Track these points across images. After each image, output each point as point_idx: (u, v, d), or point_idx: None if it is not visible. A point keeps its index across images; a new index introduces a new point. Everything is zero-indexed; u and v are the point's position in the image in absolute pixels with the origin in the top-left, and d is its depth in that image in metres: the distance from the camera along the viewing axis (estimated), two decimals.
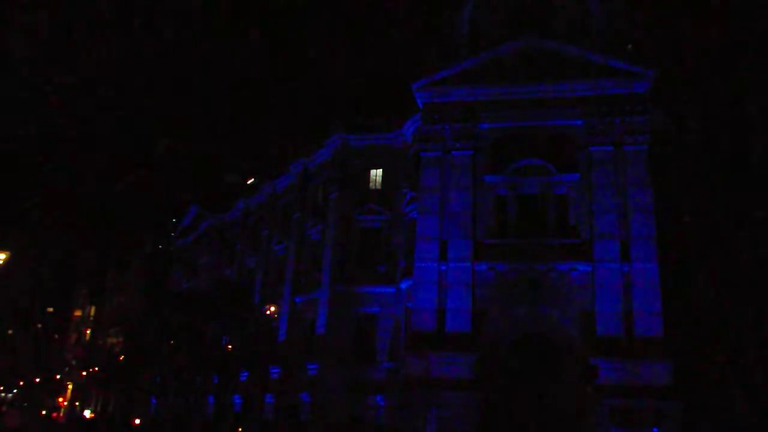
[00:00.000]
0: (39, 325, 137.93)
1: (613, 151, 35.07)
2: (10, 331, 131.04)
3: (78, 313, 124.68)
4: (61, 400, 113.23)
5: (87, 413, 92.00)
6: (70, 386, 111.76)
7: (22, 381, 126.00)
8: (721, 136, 37.00)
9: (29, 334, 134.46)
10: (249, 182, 66.58)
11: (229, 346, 50.91)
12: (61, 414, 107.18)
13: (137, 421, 63.23)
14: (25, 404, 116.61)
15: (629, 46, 37.44)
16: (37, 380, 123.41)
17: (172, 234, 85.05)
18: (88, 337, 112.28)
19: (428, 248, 35.65)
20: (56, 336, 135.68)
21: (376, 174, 45.82)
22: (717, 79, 38.59)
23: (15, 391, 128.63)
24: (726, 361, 33.26)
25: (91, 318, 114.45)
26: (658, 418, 29.92)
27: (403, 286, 40.09)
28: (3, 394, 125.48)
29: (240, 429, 47.08)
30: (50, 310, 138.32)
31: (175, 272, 76.93)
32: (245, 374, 51.03)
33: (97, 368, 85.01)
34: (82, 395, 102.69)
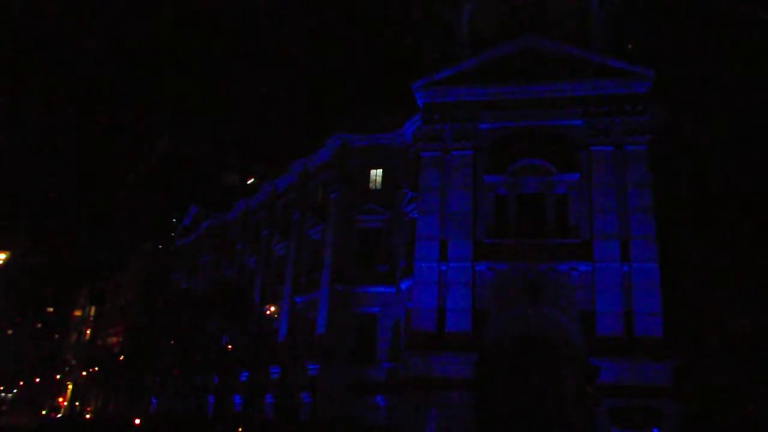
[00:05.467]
0: (39, 325, 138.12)
1: (613, 151, 35.08)
2: (10, 332, 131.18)
3: (78, 313, 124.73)
4: (61, 400, 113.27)
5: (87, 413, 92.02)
6: (70, 386, 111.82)
7: (22, 381, 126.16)
8: (721, 135, 36.98)
9: (29, 335, 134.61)
10: (249, 182, 66.71)
11: (229, 346, 50.90)
12: (61, 414, 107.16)
13: (137, 421, 63.16)
14: (25, 404, 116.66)
15: (629, 46, 37.43)
16: (37, 380, 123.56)
17: (172, 234, 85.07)
18: (88, 337, 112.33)
19: (428, 248, 35.64)
20: (56, 336, 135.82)
21: (376, 174, 45.77)
22: (717, 79, 38.58)
23: (15, 391, 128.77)
24: (726, 360, 33.24)
25: (91, 318, 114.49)
26: (658, 418, 29.94)
27: (403, 286, 40.08)
28: (3, 394, 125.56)
29: (240, 429, 47.06)
30: (50, 310, 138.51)
31: (175, 272, 76.93)
32: (245, 374, 51.04)
33: (97, 368, 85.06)
34: (82, 395, 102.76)
